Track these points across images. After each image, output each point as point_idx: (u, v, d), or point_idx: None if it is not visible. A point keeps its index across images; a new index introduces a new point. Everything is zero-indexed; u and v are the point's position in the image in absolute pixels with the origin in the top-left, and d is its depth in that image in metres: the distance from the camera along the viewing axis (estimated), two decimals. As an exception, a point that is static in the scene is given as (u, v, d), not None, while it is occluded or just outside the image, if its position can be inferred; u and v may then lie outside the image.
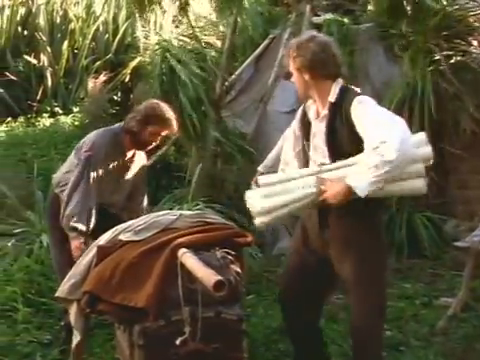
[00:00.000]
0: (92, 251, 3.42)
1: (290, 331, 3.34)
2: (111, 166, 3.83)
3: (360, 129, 2.88)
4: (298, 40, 3.09)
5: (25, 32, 10.36)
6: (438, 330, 4.22)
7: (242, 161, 5.97)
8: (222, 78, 6.24)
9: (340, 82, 3.03)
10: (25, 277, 4.64)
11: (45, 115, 9.30)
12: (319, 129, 3.03)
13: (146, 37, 8.47)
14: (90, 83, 9.01)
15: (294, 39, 3.18)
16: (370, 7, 6.71)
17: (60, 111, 9.46)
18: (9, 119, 9.16)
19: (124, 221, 3.58)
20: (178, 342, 3.05)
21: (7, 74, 9.85)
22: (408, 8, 6.06)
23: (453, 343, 4.04)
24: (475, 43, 5.99)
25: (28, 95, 9.88)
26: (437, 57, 5.77)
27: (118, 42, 10.15)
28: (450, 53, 5.82)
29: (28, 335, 4.11)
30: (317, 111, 3.08)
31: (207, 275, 2.92)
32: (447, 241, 5.54)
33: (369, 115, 2.88)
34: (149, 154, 4.25)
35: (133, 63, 9.18)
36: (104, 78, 8.95)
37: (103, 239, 3.45)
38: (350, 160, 2.91)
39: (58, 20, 10.39)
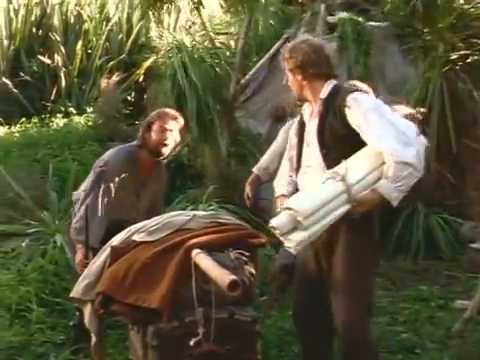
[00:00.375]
0: (106, 252, 3.41)
1: (301, 338, 3.31)
2: (127, 183, 3.80)
3: (366, 137, 2.90)
4: (292, 43, 3.19)
5: (39, 32, 10.40)
6: (454, 333, 4.18)
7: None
8: (236, 78, 6.22)
9: (333, 82, 3.09)
10: (39, 277, 4.64)
11: (59, 115, 9.33)
12: (312, 126, 3.09)
13: (160, 37, 8.49)
14: (103, 83, 9.03)
15: (289, 43, 3.27)
16: (385, 6, 6.66)
17: (74, 111, 9.49)
18: (23, 119, 9.19)
19: None
20: (192, 343, 3.03)
21: (21, 74, 9.91)
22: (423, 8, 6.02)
23: (469, 346, 4.00)
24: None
25: (42, 95, 9.92)
26: (453, 56, 5.72)
27: (132, 42, 10.18)
28: (467, 52, 5.77)
29: (42, 335, 4.12)
30: (311, 111, 3.14)
31: (221, 275, 2.91)
32: (463, 243, 5.51)
33: (371, 119, 2.89)
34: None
35: (147, 63, 9.20)
36: (118, 78, 8.97)
37: (117, 240, 3.44)
38: (365, 169, 2.88)
39: (72, 20, 10.43)
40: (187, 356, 3.07)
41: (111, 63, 9.92)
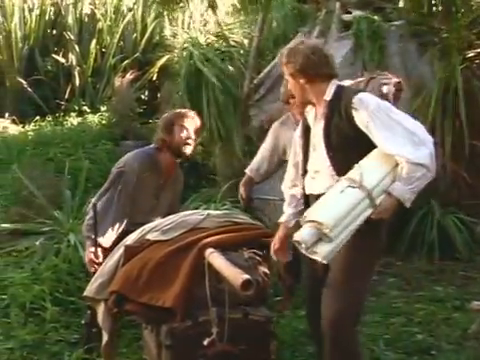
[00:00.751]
0: (119, 251, 3.40)
1: (315, 338, 3.26)
2: (146, 185, 3.79)
3: (376, 140, 2.85)
4: (288, 47, 3.13)
5: (54, 31, 10.44)
6: (470, 334, 4.12)
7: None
8: (250, 77, 6.20)
9: (335, 82, 3.04)
10: (53, 276, 4.64)
11: (73, 114, 9.36)
12: (318, 129, 3.03)
13: (174, 36, 8.48)
14: (117, 82, 9.04)
15: (284, 48, 3.18)
16: (401, 4, 6.61)
17: (88, 110, 9.51)
18: (37, 118, 9.22)
19: None
20: (205, 343, 3.02)
21: (36, 73, 9.95)
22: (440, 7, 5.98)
23: (486, 348, 3.95)
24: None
25: (56, 94, 9.96)
26: (470, 54, 5.67)
27: (146, 41, 10.19)
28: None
29: (56, 334, 4.11)
30: (315, 113, 3.08)
31: (234, 274, 2.90)
32: (479, 243, 5.44)
33: (379, 120, 2.84)
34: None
35: (160, 62, 9.20)
36: (131, 77, 8.97)
37: (130, 239, 3.43)
38: (380, 173, 2.83)
39: (86, 19, 10.45)
40: (201, 356, 3.06)
41: (125, 62, 9.94)
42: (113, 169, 3.86)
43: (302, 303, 4.12)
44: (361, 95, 2.93)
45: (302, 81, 3.00)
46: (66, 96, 9.93)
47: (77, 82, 9.97)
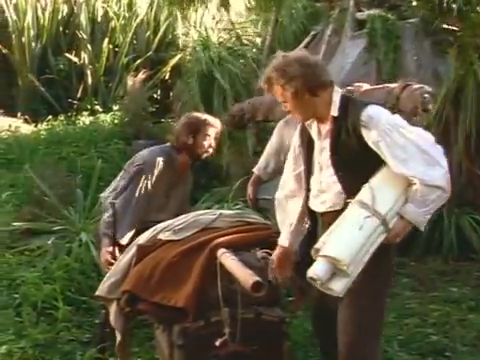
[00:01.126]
0: (132, 250, 3.39)
1: (322, 347, 3.20)
2: (159, 183, 3.78)
3: (388, 160, 2.71)
4: (274, 68, 2.82)
5: (66, 30, 10.46)
6: (486, 336, 4.09)
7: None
8: (262, 76, 6.17)
9: (338, 91, 2.86)
10: (65, 275, 4.64)
11: (85, 113, 9.38)
12: (323, 146, 2.86)
13: (186, 34, 8.48)
14: (130, 81, 9.04)
15: (266, 71, 2.87)
16: (415, 2, 6.55)
17: (100, 109, 9.54)
18: (50, 117, 9.25)
19: None
20: (218, 343, 3.00)
21: (48, 72, 9.98)
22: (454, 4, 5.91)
23: (501, 349, 3.91)
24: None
25: (68, 93, 10.00)
26: (485, 52, 5.61)
27: (158, 40, 10.18)
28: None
29: (68, 333, 4.11)
30: (319, 128, 2.90)
31: (245, 276, 2.87)
32: (495, 244, 5.38)
33: (390, 140, 2.68)
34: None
35: (173, 61, 9.20)
36: (144, 76, 8.97)
37: (142, 238, 3.42)
38: (393, 195, 2.71)
39: (99, 18, 10.47)
40: (213, 356, 3.04)
41: (138, 61, 9.94)
42: (129, 166, 3.85)
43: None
44: (370, 110, 2.75)
45: (307, 96, 2.78)
46: (78, 95, 9.96)
47: (89, 81, 9.99)
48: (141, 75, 8.99)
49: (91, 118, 9.24)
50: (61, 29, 10.42)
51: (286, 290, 3.66)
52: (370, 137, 2.72)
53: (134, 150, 7.67)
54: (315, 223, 2.96)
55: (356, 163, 2.77)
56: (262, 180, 4.47)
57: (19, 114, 9.54)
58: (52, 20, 10.28)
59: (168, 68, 9.61)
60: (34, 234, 5.49)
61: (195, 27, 9.22)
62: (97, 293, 3.50)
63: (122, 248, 3.59)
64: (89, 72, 10.01)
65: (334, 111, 2.80)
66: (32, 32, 10.15)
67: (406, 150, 2.67)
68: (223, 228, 3.38)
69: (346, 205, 2.75)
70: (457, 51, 5.65)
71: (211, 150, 3.89)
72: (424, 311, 4.51)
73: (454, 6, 5.80)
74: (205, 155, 3.90)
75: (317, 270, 2.65)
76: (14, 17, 10.17)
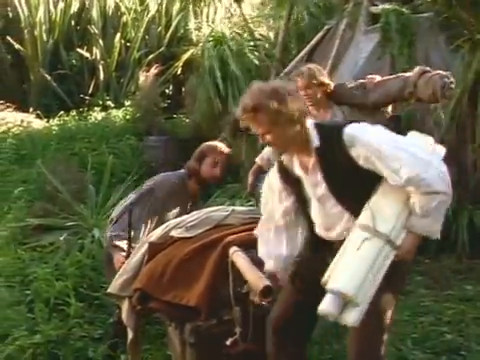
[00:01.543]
0: (143, 247, 3.37)
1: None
2: (172, 206, 3.85)
3: (382, 173, 2.64)
4: (253, 105, 2.69)
5: (78, 25, 10.45)
6: (501, 334, 4.04)
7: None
8: (276, 70, 6.14)
9: (311, 122, 2.75)
10: (77, 272, 4.64)
11: (97, 109, 9.37)
12: (316, 180, 2.77)
13: (198, 29, 8.43)
14: (142, 76, 9.02)
15: (242, 108, 2.74)
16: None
17: (112, 105, 9.52)
18: (61, 113, 9.24)
19: None
20: (228, 343, 2.98)
21: (60, 68, 9.98)
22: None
23: (517, 349, 3.86)
24: None
25: (80, 88, 9.99)
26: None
27: (170, 35, 10.14)
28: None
29: (80, 330, 4.10)
30: (302, 163, 2.81)
31: (255, 279, 2.84)
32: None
33: (379, 153, 2.61)
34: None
35: (185, 56, 9.16)
36: (156, 71, 8.94)
37: (154, 235, 3.40)
38: (393, 210, 2.65)
39: (111, 13, 10.44)
40: (224, 354, 3.03)
41: (150, 56, 9.91)
42: (143, 186, 3.96)
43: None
44: (349, 129, 2.67)
45: (298, 127, 2.68)
46: (90, 90, 9.95)
47: (101, 76, 9.98)
48: (153, 70, 8.96)
49: (103, 114, 9.22)
50: (73, 24, 10.41)
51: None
52: (360, 155, 2.64)
53: (146, 146, 7.69)
54: (322, 248, 2.86)
55: (355, 185, 2.71)
56: (263, 170, 4.47)
57: (31, 109, 9.54)
58: (64, 15, 10.27)
59: (180, 63, 9.57)
60: (46, 230, 5.48)
61: (207, 22, 9.18)
62: (109, 290, 3.49)
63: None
64: (101, 67, 10.00)
65: (314, 142, 2.72)
66: (44, 27, 10.14)
67: (397, 158, 2.59)
68: (235, 225, 3.37)
69: None
70: (472, 45, 5.58)
71: (219, 176, 4.01)
72: (439, 309, 4.46)
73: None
74: (211, 181, 4.04)
75: (327, 306, 2.58)
76: (26, 12, 10.17)
